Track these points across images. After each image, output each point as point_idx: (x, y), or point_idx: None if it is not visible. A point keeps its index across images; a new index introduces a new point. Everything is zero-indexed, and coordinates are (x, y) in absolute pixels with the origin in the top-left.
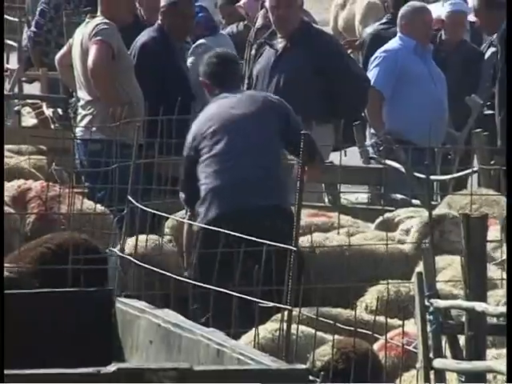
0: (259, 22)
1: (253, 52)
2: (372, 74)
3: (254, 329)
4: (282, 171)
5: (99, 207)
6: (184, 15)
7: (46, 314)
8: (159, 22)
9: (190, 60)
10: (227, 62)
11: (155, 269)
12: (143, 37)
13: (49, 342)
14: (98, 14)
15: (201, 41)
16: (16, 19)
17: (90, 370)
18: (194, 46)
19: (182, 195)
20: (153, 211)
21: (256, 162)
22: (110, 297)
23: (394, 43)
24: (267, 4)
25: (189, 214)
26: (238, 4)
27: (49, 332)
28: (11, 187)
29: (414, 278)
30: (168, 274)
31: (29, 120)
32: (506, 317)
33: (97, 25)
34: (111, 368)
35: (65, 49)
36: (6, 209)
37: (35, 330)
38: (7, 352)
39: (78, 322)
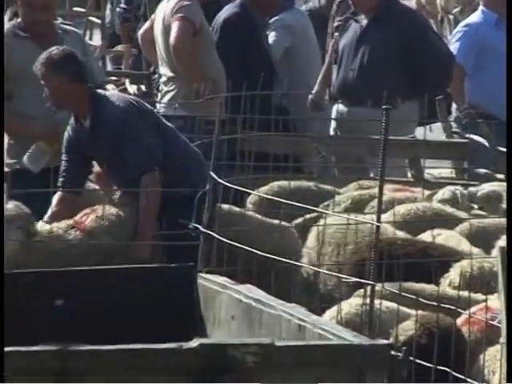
0: None
1: (335, 25)
2: (453, 48)
3: (337, 304)
4: None
5: None
6: None
7: (127, 289)
8: None
9: (270, 35)
10: None
11: (237, 244)
12: (225, 12)
13: (131, 318)
14: None
15: (277, 16)
16: None
17: (173, 345)
18: (270, 21)
19: None
20: (235, 187)
21: None
22: (191, 272)
23: (475, 17)
24: None
25: None
26: None
27: (131, 307)
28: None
29: (496, 253)
30: (249, 249)
31: None
32: (506, 316)
33: (179, 1)
34: (193, 343)
35: (147, 25)
36: (90, 185)
37: (118, 305)
38: (95, 327)
39: (160, 298)
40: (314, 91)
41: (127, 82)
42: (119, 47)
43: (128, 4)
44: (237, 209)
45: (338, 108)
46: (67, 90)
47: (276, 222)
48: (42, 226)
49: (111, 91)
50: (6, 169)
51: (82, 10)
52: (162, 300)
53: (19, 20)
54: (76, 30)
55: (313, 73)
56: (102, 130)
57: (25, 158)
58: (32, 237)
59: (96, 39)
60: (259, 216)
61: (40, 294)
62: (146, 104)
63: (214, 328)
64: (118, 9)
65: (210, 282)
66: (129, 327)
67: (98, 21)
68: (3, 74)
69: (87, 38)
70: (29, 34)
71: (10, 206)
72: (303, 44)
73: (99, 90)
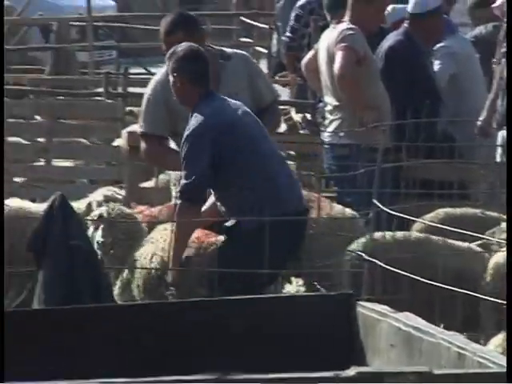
0: None
1: (502, 50)
2: None
3: (501, 332)
4: None
5: (348, 211)
6: (435, 22)
7: (285, 317)
8: (406, 25)
9: (435, 63)
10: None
11: (399, 271)
12: (389, 40)
13: (288, 345)
14: (345, 19)
15: (442, 43)
16: (266, 26)
17: (329, 373)
18: (435, 48)
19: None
20: (399, 214)
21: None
22: (350, 300)
23: None
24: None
25: None
26: (494, 5)
27: (289, 335)
28: None
29: None
30: (412, 276)
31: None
32: (506, 316)
33: (343, 30)
34: (351, 372)
35: (311, 54)
36: None
37: (275, 333)
38: (251, 354)
39: (319, 326)
40: (481, 118)
41: (293, 111)
42: (284, 75)
43: (293, 33)
44: (412, 233)
45: (504, 134)
46: (183, 88)
47: (462, 243)
48: None
49: (223, 101)
50: None
51: (249, 40)
52: (320, 328)
53: None
54: (242, 52)
55: (477, 99)
56: None
57: None
58: None
59: (262, 69)
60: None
61: (180, 323)
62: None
63: (373, 356)
64: (283, 38)
65: (369, 310)
66: (285, 355)
67: (265, 50)
68: (3, 70)
69: None
70: None
71: None
72: (467, 71)
73: (209, 98)
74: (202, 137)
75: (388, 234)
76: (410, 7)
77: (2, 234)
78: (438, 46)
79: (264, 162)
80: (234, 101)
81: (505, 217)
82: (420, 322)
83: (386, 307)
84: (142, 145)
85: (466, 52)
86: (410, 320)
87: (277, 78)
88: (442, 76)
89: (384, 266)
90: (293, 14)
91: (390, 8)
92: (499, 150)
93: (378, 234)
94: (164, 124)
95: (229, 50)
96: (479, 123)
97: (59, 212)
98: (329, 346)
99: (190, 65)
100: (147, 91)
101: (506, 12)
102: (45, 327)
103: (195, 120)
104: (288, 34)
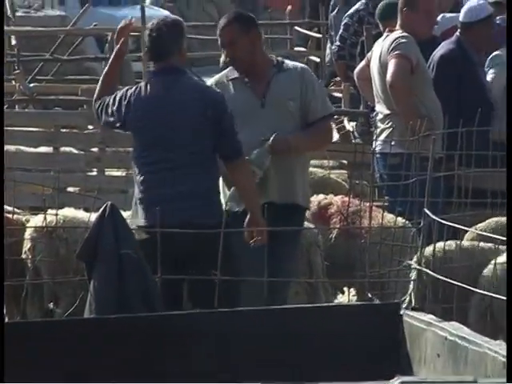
0: None
1: None
2: None
3: None
4: None
5: (400, 220)
6: (487, 31)
7: (332, 326)
8: (458, 34)
9: (489, 72)
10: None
11: (450, 280)
12: (442, 49)
13: (334, 355)
14: (397, 27)
15: (496, 52)
16: (320, 35)
17: (375, 383)
18: (490, 57)
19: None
20: (450, 224)
21: None
22: (397, 310)
23: None
24: None
25: None
26: None
27: (335, 344)
28: (312, 203)
29: None
30: (464, 286)
31: (334, 134)
32: (506, 317)
33: (396, 38)
34: (395, 381)
35: (363, 62)
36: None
37: (321, 342)
38: (295, 364)
39: (365, 335)
40: None
41: (346, 119)
42: (337, 83)
43: (342, 42)
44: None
45: None
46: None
47: None
48: None
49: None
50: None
51: (303, 49)
52: (366, 337)
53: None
54: (302, 65)
55: None
56: None
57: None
58: None
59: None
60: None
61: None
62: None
63: (419, 366)
64: (332, 47)
65: (415, 319)
66: (332, 364)
67: (318, 59)
68: (3, 69)
69: None
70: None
71: None
72: None
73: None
74: None
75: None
76: (461, 16)
77: (2, 235)
78: (493, 54)
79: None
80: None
81: None
82: (466, 332)
83: (432, 316)
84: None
85: None
86: (455, 329)
87: (330, 87)
88: (496, 86)
89: (437, 276)
90: (342, 23)
91: (439, 17)
92: None
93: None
94: None
95: (289, 63)
96: None
97: (109, 221)
98: (375, 356)
99: None
100: None
101: (506, 12)
102: (95, 336)
103: None
104: (337, 43)
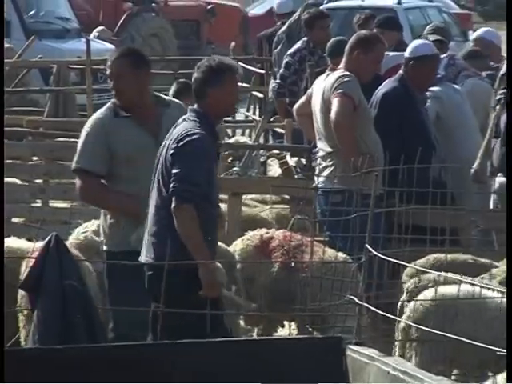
0: (504, 69)
1: (496, 98)
2: None
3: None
4: None
5: (341, 255)
6: (431, 68)
7: (275, 359)
8: (401, 72)
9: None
10: None
11: (390, 315)
12: (385, 87)
13: None
14: (342, 65)
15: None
16: (263, 71)
17: None
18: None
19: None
20: (390, 259)
21: None
22: (340, 344)
23: None
24: None
25: None
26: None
27: (279, 377)
28: (254, 236)
29: None
30: (401, 319)
31: (276, 170)
32: (506, 317)
33: (339, 77)
34: None
35: (304, 98)
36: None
37: (265, 375)
38: None
39: (308, 369)
40: (475, 164)
41: (288, 154)
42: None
43: (282, 80)
44: None
45: (500, 181)
46: None
47: None
48: None
49: None
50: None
51: (247, 85)
52: (309, 370)
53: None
54: (178, 101)
55: (470, 147)
56: None
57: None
58: None
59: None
60: None
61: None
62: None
63: None
64: (273, 85)
65: (358, 353)
66: None
67: (261, 95)
68: (3, 72)
69: (251, 112)
70: (130, 113)
71: None
72: (456, 117)
73: None
74: None
75: None
76: (407, 52)
77: (2, 235)
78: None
79: None
80: None
81: (496, 263)
82: (408, 366)
83: (375, 351)
84: (79, 182)
85: (454, 99)
86: (398, 364)
87: (273, 122)
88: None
89: (374, 309)
90: (284, 62)
91: None
92: (492, 197)
93: None
94: (102, 162)
95: (167, 98)
96: (473, 170)
97: (54, 252)
98: None
99: None
100: (86, 127)
101: (506, 12)
102: (38, 366)
103: None
104: (278, 80)
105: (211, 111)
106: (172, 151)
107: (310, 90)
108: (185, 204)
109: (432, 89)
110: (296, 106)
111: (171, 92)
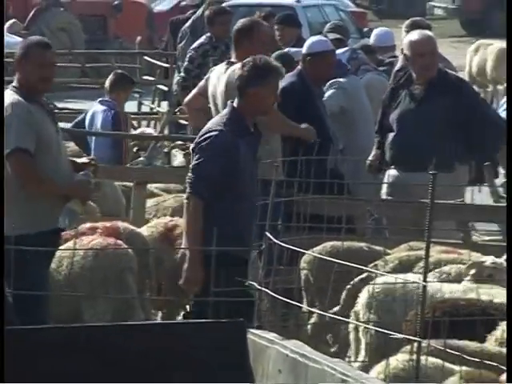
0: (398, 65)
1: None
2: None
3: (384, 360)
4: None
5: None
6: (327, 64)
7: (180, 342)
8: (300, 67)
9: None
10: None
11: (289, 300)
12: (283, 81)
13: (183, 370)
14: (233, 59)
15: (333, 80)
16: (168, 65)
17: None
18: (328, 84)
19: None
20: (289, 246)
21: None
22: (242, 328)
23: None
24: (408, 52)
25: None
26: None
27: (183, 360)
28: (158, 224)
29: None
30: (300, 305)
31: (180, 159)
32: (506, 317)
33: (233, 71)
34: None
35: (195, 92)
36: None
37: (169, 358)
38: (144, 378)
39: (212, 351)
40: (370, 156)
41: (191, 145)
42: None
43: (187, 73)
44: None
45: (390, 173)
46: None
47: None
48: None
49: None
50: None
51: (151, 78)
52: (213, 353)
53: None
54: None
55: (367, 137)
56: None
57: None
58: None
59: (164, 105)
60: None
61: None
62: None
63: (262, 381)
64: (177, 78)
65: (259, 337)
66: (182, 378)
67: (166, 88)
68: (3, 72)
69: (155, 104)
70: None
71: None
72: (357, 106)
73: None
74: None
75: None
76: (304, 48)
77: (2, 235)
78: (332, 81)
79: None
80: None
81: (388, 251)
82: (306, 349)
83: (275, 335)
84: (18, 162)
85: (358, 92)
86: (297, 347)
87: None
88: (332, 104)
89: (275, 295)
90: (187, 56)
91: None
92: (384, 188)
93: None
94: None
95: None
96: (369, 160)
97: None
98: (222, 371)
99: None
100: (7, 111)
101: (506, 12)
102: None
103: None
104: (182, 74)
105: (250, 109)
106: (193, 146)
107: (201, 83)
108: (190, 195)
109: (339, 80)
110: (186, 99)
111: (107, 83)
